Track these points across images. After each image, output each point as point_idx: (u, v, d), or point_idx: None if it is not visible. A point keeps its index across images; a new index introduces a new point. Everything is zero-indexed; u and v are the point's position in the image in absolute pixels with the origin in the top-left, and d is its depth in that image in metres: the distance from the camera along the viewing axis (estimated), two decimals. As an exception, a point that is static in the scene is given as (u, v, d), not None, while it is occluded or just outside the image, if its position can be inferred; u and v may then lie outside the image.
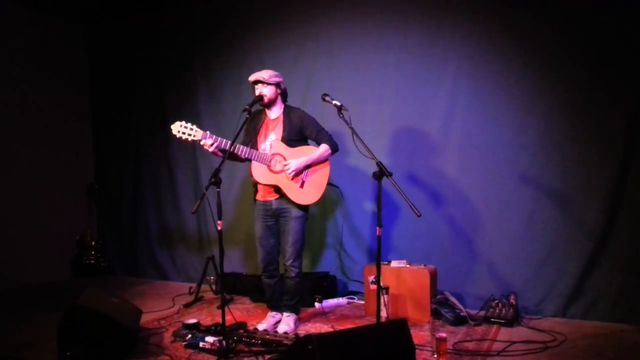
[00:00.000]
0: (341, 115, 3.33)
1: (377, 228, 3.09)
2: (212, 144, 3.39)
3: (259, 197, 3.74)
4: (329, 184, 3.74)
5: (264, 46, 5.05)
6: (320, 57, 4.78)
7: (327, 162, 3.70)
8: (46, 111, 5.69)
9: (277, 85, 3.63)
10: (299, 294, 3.80)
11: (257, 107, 3.65)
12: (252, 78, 3.61)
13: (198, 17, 5.40)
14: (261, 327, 3.64)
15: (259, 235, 3.74)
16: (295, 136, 3.65)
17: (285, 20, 4.96)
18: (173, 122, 3.44)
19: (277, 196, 3.64)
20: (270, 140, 3.63)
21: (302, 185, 3.60)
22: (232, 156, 3.48)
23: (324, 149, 3.64)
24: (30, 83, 5.53)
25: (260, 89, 3.59)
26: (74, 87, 6.01)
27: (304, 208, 3.66)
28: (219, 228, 3.14)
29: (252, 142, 3.67)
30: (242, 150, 3.48)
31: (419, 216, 2.94)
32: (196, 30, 5.42)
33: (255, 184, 3.71)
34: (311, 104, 4.45)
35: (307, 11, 4.85)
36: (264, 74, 3.57)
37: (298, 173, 3.57)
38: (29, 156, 5.49)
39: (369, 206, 4.61)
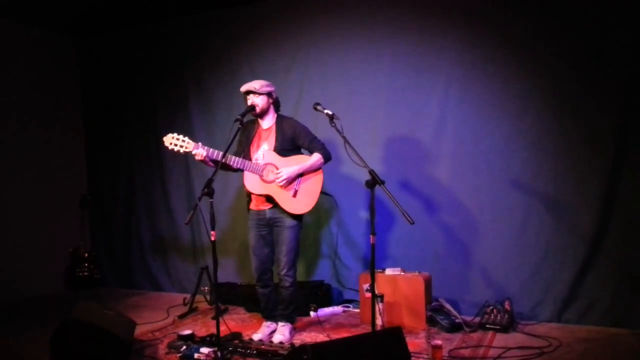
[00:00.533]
0: (333, 124, 3.34)
1: (371, 236, 3.09)
2: (204, 155, 3.41)
3: (252, 206, 3.73)
4: (323, 192, 3.73)
5: (255, 57, 5.07)
6: (312, 67, 4.80)
7: (320, 171, 3.70)
8: (39, 123, 5.67)
9: (268, 94, 3.64)
10: (294, 304, 3.79)
11: (249, 117, 3.67)
12: (243, 88, 3.63)
13: (190, 29, 5.41)
14: (256, 337, 3.62)
15: (253, 245, 3.73)
16: (287, 146, 3.65)
17: (276, 31, 4.98)
18: (166, 133, 3.45)
19: (270, 205, 3.64)
20: (263, 150, 3.63)
21: (294, 195, 3.59)
22: (224, 166, 3.48)
23: (316, 157, 3.64)
24: (23, 95, 5.52)
25: (252, 99, 3.60)
26: (67, 98, 6.00)
27: (297, 217, 3.65)
28: (213, 238, 3.13)
29: (244, 152, 3.67)
30: (234, 160, 3.48)
31: (412, 224, 2.94)
32: (188, 42, 5.43)
33: (249, 194, 3.71)
34: (303, 114, 4.46)
35: (298, 21, 4.88)
36: (255, 84, 3.59)
37: (290, 182, 3.57)
38: (22, 168, 5.47)
39: (363, 214, 4.61)
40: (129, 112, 5.80)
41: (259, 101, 3.60)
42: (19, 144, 5.45)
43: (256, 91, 3.57)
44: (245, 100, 3.66)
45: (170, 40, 5.53)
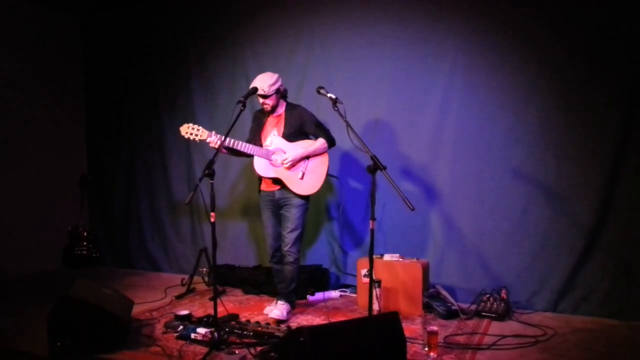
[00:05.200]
0: (336, 108, 3.35)
1: (371, 221, 3.10)
2: (216, 142, 3.57)
3: (263, 187, 3.89)
4: (329, 175, 3.87)
5: (258, 39, 5.02)
6: (316, 51, 4.76)
7: (326, 154, 3.83)
8: (39, 102, 5.64)
9: (277, 91, 3.73)
10: (295, 282, 3.86)
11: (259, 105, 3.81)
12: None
13: (193, 9, 5.36)
14: (267, 310, 3.88)
15: (265, 224, 3.91)
16: (295, 132, 3.79)
17: (280, 13, 4.93)
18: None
19: (279, 187, 3.79)
20: (272, 137, 3.78)
21: (302, 177, 3.74)
22: (237, 152, 3.70)
23: (320, 142, 3.77)
24: (24, 73, 5.48)
25: (261, 100, 3.73)
26: (68, 77, 5.96)
27: (305, 197, 3.80)
28: (212, 220, 3.15)
29: (256, 138, 3.85)
30: (244, 146, 3.64)
31: (412, 210, 2.96)
32: (191, 22, 5.38)
33: (260, 177, 3.84)
34: (306, 97, 4.45)
35: (303, 4, 4.82)
36: (264, 86, 3.64)
37: (294, 164, 3.70)
38: (22, 147, 5.45)
39: (363, 199, 4.60)
40: (130, 92, 5.76)
41: (269, 101, 3.74)
42: (20, 122, 5.42)
43: (265, 94, 3.66)
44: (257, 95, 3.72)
45: (173, 20, 5.48)
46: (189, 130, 3.61)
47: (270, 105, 3.74)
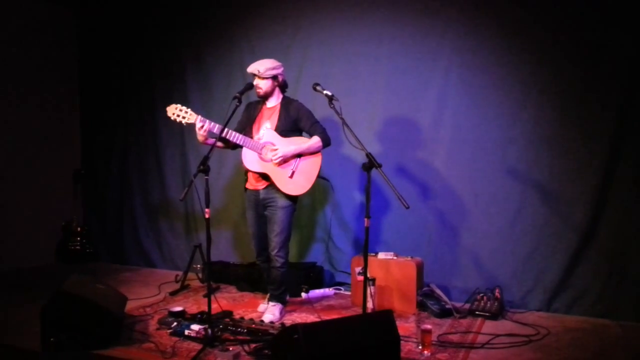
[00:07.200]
0: (332, 106, 3.34)
1: (365, 219, 3.10)
2: (203, 127, 3.43)
3: (248, 185, 3.76)
4: (320, 176, 3.75)
5: (255, 33, 5.00)
6: (312, 47, 4.75)
7: (319, 154, 3.71)
8: (33, 96, 5.59)
9: (273, 77, 3.61)
10: (285, 284, 3.81)
11: (255, 97, 3.71)
12: (249, 70, 3.60)
13: (190, 3, 5.34)
14: (261, 308, 3.85)
15: (250, 224, 3.80)
16: (289, 127, 3.66)
17: (277, 9, 4.91)
18: (163, 109, 3.44)
19: (265, 184, 3.65)
20: (264, 129, 3.64)
21: (291, 176, 3.61)
22: (223, 141, 3.51)
23: (315, 140, 3.65)
24: (17, 66, 5.43)
25: (256, 81, 3.59)
26: (62, 71, 5.92)
27: (291, 198, 3.67)
28: (207, 216, 3.13)
29: (246, 129, 3.69)
30: (234, 136, 3.49)
31: (407, 208, 2.96)
32: (187, 16, 5.35)
33: (246, 172, 3.72)
34: (302, 94, 4.43)
35: (300, 0, 4.82)
36: (260, 67, 3.54)
37: (285, 160, 3.58)
38: (15, 141, 5.41)
39: (358, 197, 4.61)
40: (125, 86, 5.73)
41: (263, 85, 3.60)
42: (14, 116, 5.39)
43: (260, 75, 3.54)
44: (253, 77, 3.63)
45: (169, 14, 5.45)
46: (175, 112, 3.44)
47: (263, 90, 3.59)
